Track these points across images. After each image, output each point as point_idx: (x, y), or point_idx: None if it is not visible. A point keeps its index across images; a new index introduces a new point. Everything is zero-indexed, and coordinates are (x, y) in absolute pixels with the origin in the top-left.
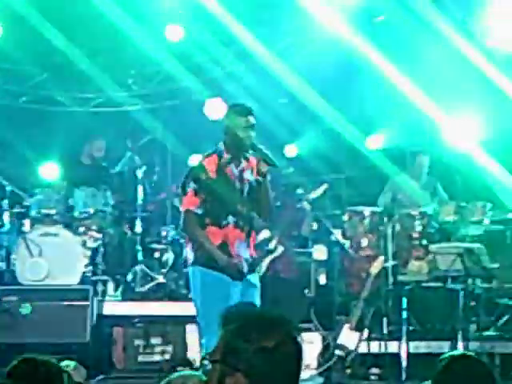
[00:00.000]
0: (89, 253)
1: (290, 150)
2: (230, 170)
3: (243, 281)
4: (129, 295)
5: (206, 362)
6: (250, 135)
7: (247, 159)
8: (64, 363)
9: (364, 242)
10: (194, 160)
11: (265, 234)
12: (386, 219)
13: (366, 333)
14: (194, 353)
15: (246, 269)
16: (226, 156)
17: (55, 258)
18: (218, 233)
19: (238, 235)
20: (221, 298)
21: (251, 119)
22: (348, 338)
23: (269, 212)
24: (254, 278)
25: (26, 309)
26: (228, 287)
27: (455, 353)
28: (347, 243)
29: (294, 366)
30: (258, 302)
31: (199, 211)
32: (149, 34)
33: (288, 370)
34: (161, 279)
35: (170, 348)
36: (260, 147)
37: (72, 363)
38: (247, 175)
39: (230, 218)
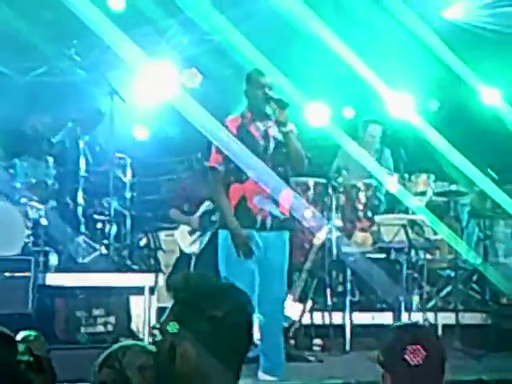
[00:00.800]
0: (30, 224)
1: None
2: (253, 127)
3: (266, 237)
4: (71, 266)
5: (155, 331)
6: (266, 93)
7: (271, 118)
8: (24, 333)
9: (307, 213)
10: (138, 131)
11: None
12: (330, 190)
13: (309, 304)
14: (137, 324)
15: (269, 224)
16: (250, 116)
17: None
18: (238, 188)
19: (258, 189)
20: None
21: (264, 79)
22: (291, 309)
23: (301, 162)
24: (281, 237)
25: None
26: None
27: (404, 322)
28: None
29: (244, 337)
30: (279, 261)
31: (221, 168)
32: (91, 3)
33: (237, 340)
34: (103, 250)
35: (112, 319)
36: (270, 94)
37: (32, 333)
38: (273, 132)
39: (251, 173)
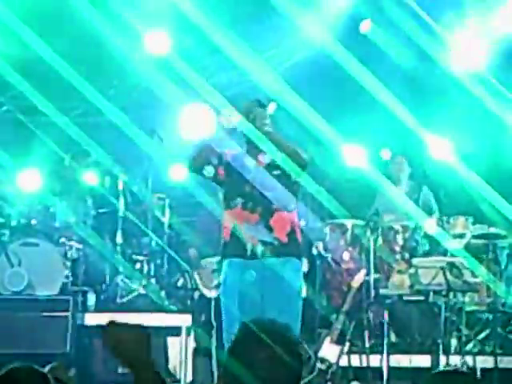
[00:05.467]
0: (69, 263)
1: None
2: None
3: (260, 266)
4: (109, 306)
5: None
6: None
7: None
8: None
9: (346, 255)
10: (176, 170)
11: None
12: (368, 232)
13: (347, 346)
14: (174, 365)
15: (259, 251)
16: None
17: (35, 269)
18: (229, 215)
19: (246, 217)
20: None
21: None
22: (329, 351)
23: (295, 153)
24: (279, 264)
25: None
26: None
27: (448, 368)
28: (329, 256)
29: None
30: (279, 290)
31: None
32: (131, 45)
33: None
34: (141, 290)
35: None
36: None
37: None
38: (263, 157)
39: (238, 200)
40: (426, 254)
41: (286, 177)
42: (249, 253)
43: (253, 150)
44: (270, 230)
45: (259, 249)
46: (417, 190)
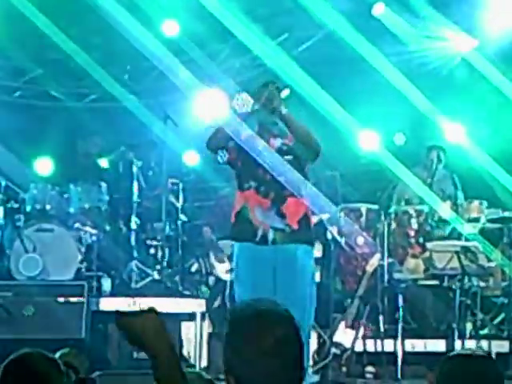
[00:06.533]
0: (83, 249)
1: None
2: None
3: (272, 252)
4: (124, 291)
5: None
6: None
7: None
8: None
9: (360, 240)
10: (189, 156)
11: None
12: (382, 216)
13: (361, 331)
14: (188, 350)
15: (270, 238)
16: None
17: (50, 254)
18: (240, 196)
19: (259, 201)
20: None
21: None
22: (344, 335)
23: (310, 138)
24: (289, 251)
25: (28, 311)
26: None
27: (464, 351)
28: (343, 240)
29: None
30: (289, 278)
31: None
32: (145, 29)
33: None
34: (156, 276)
35: None
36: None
37: (72, 350)
38: (274, 141)
39: (252, 183)
40: (441, 239)
41: (298, 161)
42: (259, 238)
43: (265, 133)
44: (282, 216)
45: (270, 235)
46: (448, 177)
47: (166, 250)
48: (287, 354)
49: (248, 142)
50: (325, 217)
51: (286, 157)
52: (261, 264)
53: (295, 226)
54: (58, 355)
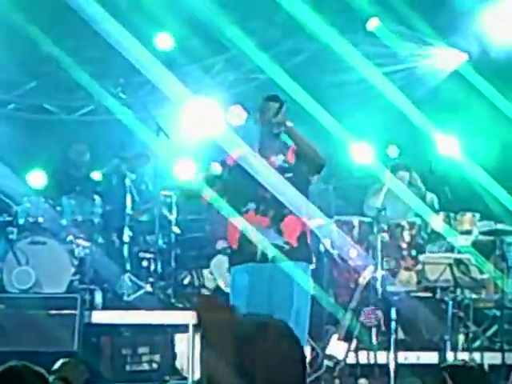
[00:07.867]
0: (76, 261)
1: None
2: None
3: (270, 269)
4: (116, 304)
5: None
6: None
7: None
8: (61, 361)
9: (353, 252)
10: (180, 168)
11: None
12: (374, 229)
13: (354, 343)
14: (181, 362)
15: (270, 254)
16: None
17: (43, 267)
18: (238, 221)
19: (258, 220)
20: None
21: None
22: (336, 348)
23: (315, 153)
24: (287, 268)
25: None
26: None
27: (456, 362)
28: (336, 253)
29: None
30: (285, 294)
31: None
32: (138, 42)
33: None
34: (148, 288)
35: (157, 357)
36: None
37: (71, 361)
38: (275, 159)
39: (250, 205)
40: (433, 251)
41: (299, 179)
42: (259, 256)
43: (265, 150)
44: (281, 233)
45: (270, 252)
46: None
47: (159, 263)
48: (291, 369)
49: (242, 158)
50: (318, 223)
51: (286, 174)
52: (257, 281)
53: (294, 244)
54: (57, 366)
